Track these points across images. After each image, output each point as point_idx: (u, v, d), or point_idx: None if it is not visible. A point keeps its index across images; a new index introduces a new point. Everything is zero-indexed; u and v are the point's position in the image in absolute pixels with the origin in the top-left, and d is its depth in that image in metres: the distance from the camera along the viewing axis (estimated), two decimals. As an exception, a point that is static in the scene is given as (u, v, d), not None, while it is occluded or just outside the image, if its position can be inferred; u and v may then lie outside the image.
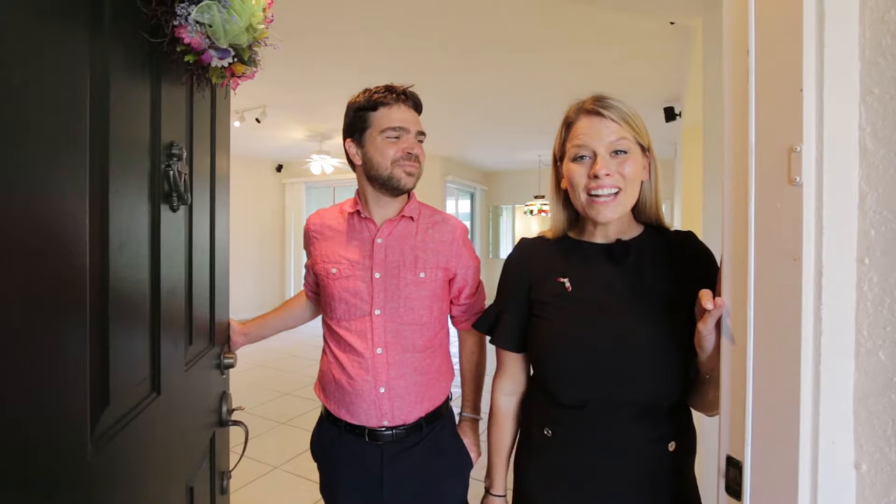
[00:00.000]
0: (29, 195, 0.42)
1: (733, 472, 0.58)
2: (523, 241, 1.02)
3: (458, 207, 8.07)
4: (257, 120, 4.49)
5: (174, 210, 0.80)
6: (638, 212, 0.91)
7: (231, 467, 1.23)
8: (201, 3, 0.62)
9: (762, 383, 0.54)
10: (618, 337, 0.82)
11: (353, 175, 1.23)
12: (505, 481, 1.02)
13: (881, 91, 0.48)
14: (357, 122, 1.16)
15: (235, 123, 4.35)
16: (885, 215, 0.48)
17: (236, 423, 1.18)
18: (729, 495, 0.58)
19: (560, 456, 0.88)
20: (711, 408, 0.79)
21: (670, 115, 3.72)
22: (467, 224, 8.01)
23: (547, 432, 0.89)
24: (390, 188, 1.14)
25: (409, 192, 1.18)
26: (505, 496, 1.02)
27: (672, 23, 2.37)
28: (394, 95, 1.14)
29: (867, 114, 0.49)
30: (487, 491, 1.04)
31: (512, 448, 1.02)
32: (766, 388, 0.54)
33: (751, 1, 0.55)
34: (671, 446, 0.83)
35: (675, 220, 4.86)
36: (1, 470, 0.39)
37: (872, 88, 0.49)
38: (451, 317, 1.27)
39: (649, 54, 3.04)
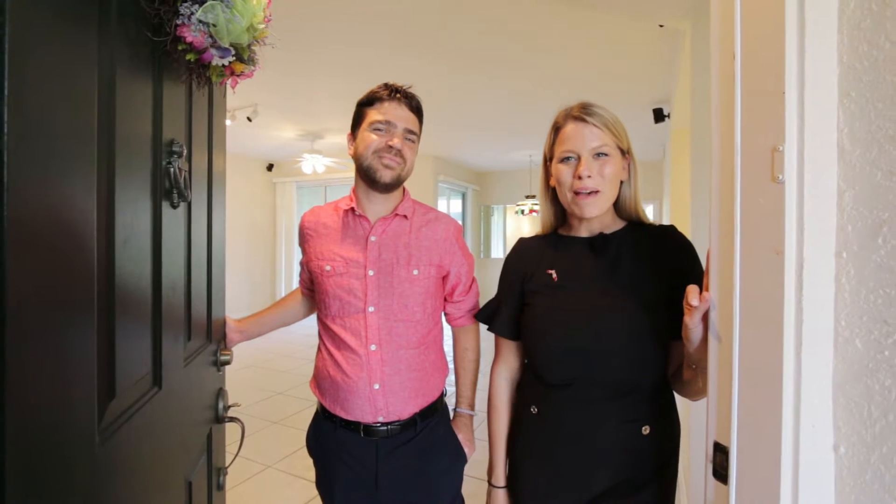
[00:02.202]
0: (45, 191, 0.43)
1: (720, 458, 0.60)
2: (521, 240, 1.12)
3: (449, 207, 8.09)
4: (249, 119, 4.47)
5: (174, 207, 0.81)
6: (619, 209, 1.00)
7: (227, 464, 1.24)
8: (206, 3, 0.63)
9: (747, 372, 0.57)
10: (597, 320, 0.90)
11: (344, 174, 1.27)
12: (505, 471, 1.05)
13: (858, 94, 0.51)
14: (356, 117, 1.20)
15: (227, 122, 4.32)
16: (861, 212, 0.51)
17: (232, 419, 1.19)
18: (716, 479, 0.61)
19: (543, 432, 0.95)
20: (698, 394, 0.84)
21: (659, 116, 3.77)
22: (461, 224, 7.99)
23: (533, 409, 0.97)
24: (369, 180, 1.16)
25: (394, 189, 1.19)
26: (506, 487, 1.04)
27: (661, 26, 2.41)
28: (387, 92, 1.16)
29: (845, 115, 0.52)
30: (490, 484, 1.07)
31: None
32: (750, 376, 0.57)
33: (737, 9, 0.58)
34: (645, 430, 0.89)
35: (664, 220, 4.92)
36: (17, 458, 0.40)
37: (850, 92, 0.51)
38: (446, 314, 1.29)
39: (639, 57, 3.09)
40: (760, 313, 0.55)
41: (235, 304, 6.08)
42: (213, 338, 1.12)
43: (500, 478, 1.05)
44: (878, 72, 0.49)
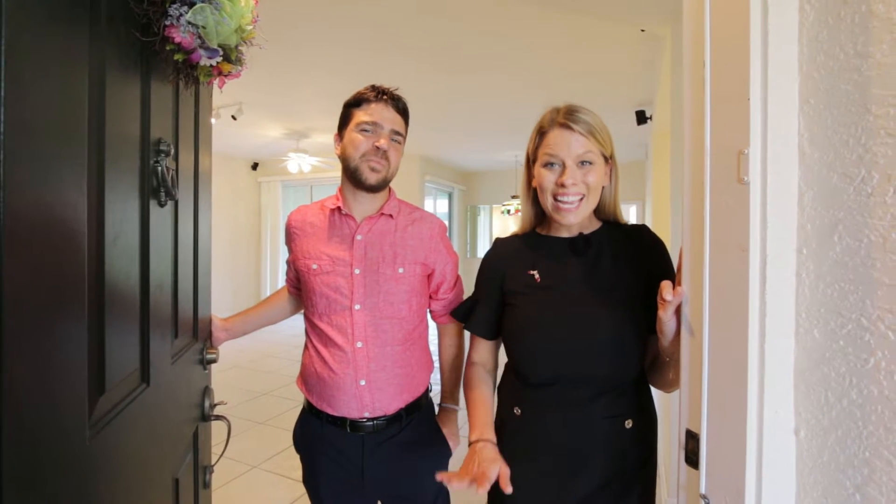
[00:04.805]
0: (38, 190, 0.44)
1: (692, 444, 0.64)
2: (498, 240, 1.12)
3: (436, 207, 8.11)
4: (233, 117, 4.42)
5: (162, 205, 0.82)
6: (598, 211, 1.02)
7: (213, 462, 1.24)
8: (195, 6, 0.64)
9: (716, 362, 0.60)
10: (580, 320, 0.92)
11: (331, 174, 1.28)
12: (492, 428, 0.97)
13: (816, 101, 0.54)
14: (343, 118, 1.22)
15: (211, 120, 4.27)
16: (820, 211, 0.54)
17: (219, 417, 1.19)
18: (688, 465, 0.64)
19: (528, 432, 0.96)
20: (671, 386, 0.88)
21: (641, 118, 3.84)
22: (445, 223, 8.01)
23: (517, 411, 0.98)
24: (355, 182, 1.17)
25: (380, 190, 1.20)
26: (494, 441, 0.94)
27: (642, 30, 2.47)
28: (374, 93, 1.18)
29: (805, 121, 0.55)
30: (474, 442, 0.94)
31: (491, 403, 1.01)
32: (719, 366, 0.60)
33: (706, 18, 0.61)
34: (628, 423, 0.91)
35: (647, 219, 5.02)
36: (12, 451, 0.41)
37: (809, 99, 0.55)
38: (431, 311, 1.31)
39: (622, 60, 3.14)
40: (728, 307, 0.59)
41: (219, 305, 6.01)
42: (199, 336, 1.12)
43: (489, 432, 0.94)
44: (834, 81, 0.52)
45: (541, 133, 0.98)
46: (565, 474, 0.92)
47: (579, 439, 0.91)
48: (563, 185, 0.91)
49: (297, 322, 1.30)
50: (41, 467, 0.46)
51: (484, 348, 1.10)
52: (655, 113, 3.59)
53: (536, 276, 0.98)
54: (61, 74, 0.49)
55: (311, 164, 5.83)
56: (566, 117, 0.93)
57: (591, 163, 0.93)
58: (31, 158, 0.42)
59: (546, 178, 0.94)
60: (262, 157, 7.24)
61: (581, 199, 0.93)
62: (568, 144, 0.92)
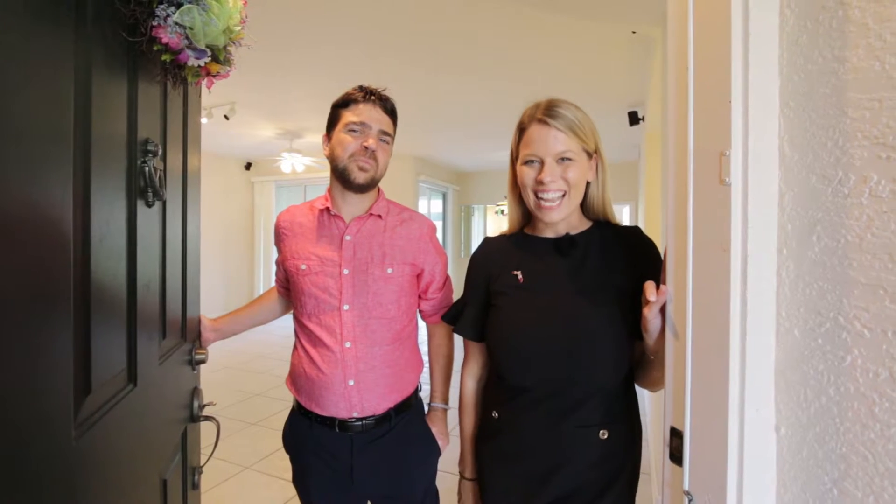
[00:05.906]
0: (23, 190, 0.44)
1: (676, 442, 0.65)
2: (487, 239, 1.11)
3: (430, 207, 8.11)
4: (226, 117, 4.40)
5: (149, 206, 0.82)
6: (586, 209, 1.00)
7: (202, 463, 1.24)
8: (182, 6, 0.64)
9: (699, 361, 0.61)
10: (561, 322, 0.90)
11: (324, 174, 1.26)
12: (474, 466, 1.07)
13: (796, 104, 0.55)
14: (331, 119, 1.22)
15: (203, 120, 4.24)
16: (799, 211, 0.55)
17: (208, 418, 1.19)
18: (672, 462, 0.65)
19: (505, 437, 0.95)
20: (656, 384, 0.87)
21: (634, 119, 3.87)
22: (439, 224, 8.06)
23: (494, 415, 0.97)
24: (344, 181, 1.18)
25: (368, 190, 1.20)
26: (476, 479, 1.07)
27: (634, 32, 2.48)
28: (362, 94, 1.18)
29: (785, 123, 0.56)
30: (461, 475, 1.10)
31: None
32: (701, 365, 0.61)
33: (689, 23, 0.62)
34: (602, 434, 0.89)
35: (639, 220, 5.04)
36: (-6, 448, 0.41)
37: (789, 102, 0.56)
38: (420, 311, 1.31)
39: (614, 61, 3.16)
40: (710, 306, 0.59)
41: (211, 304, 5.98)
42: (187, 337, 1.12)
43: (470, 471, 1.07)
44: (813, 84, 0.53)
45: (521, 129, 0.97)
46: (537, 480, 0.91)
47: (552, 447, 0.89)
48: (541, 183, 0.90)
49: (289, 322, 1.30)
50: (26, 467, 0.46)
51: (476, 353, 1.09)
52: (647, 114, 3.61)
53: (520, 276, 0.97)
54: (47, 75, 0.48)
55: (305, 164, 5.81)
56: (544, 113, 0.91)
57: (570, 159, 0.91)
58: (17, 159, 0.42)
59: (526, 174, 0.93)
60: (256, 157, 7.21)
61: (563, 195, 0.92)
62: (546, 141, 0.91)
